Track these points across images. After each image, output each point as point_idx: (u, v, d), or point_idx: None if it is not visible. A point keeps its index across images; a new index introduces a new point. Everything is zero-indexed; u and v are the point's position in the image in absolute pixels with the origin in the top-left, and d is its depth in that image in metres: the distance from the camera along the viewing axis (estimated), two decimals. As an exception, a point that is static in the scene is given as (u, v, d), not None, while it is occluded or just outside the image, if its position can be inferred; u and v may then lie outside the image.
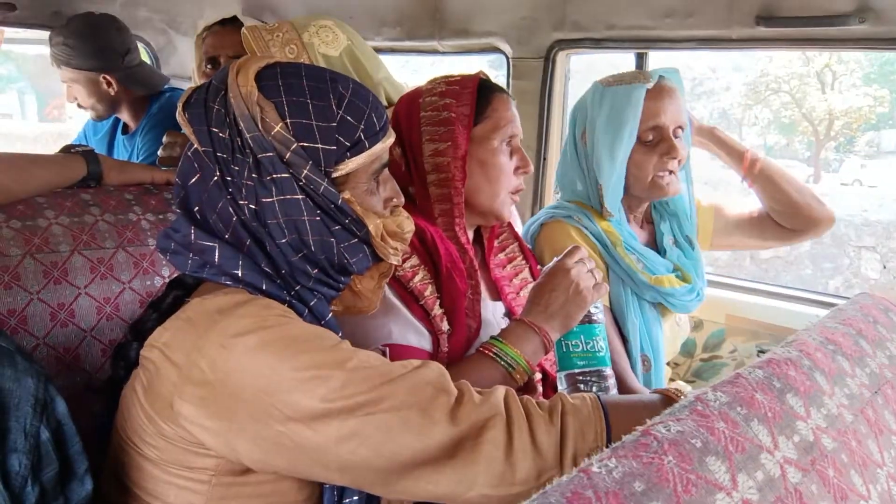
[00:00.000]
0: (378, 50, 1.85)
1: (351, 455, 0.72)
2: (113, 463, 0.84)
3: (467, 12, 1.99)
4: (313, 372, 0.72)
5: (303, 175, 0.79)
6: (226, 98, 0.80)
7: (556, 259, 1.10)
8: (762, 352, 1.60)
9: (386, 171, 0.90)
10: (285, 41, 1.40)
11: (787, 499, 0.51)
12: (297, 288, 0.83)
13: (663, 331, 1.44)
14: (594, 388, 1.06)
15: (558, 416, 0.76)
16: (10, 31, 2.33)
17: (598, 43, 1.79)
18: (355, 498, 0.84)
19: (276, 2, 2.31)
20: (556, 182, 1.56)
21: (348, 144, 0.82)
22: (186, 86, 1.64)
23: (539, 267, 1.30)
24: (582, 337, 1.08)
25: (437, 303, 1.09)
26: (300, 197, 0.80)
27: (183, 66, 2.37)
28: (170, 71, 2.28)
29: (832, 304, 1.57)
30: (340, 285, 0.88)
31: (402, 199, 0.93)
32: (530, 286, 1.12)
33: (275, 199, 0.79)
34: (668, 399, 0.81)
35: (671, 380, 1.69)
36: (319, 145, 0.80)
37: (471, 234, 1.21)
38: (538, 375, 1.21)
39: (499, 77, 1.44)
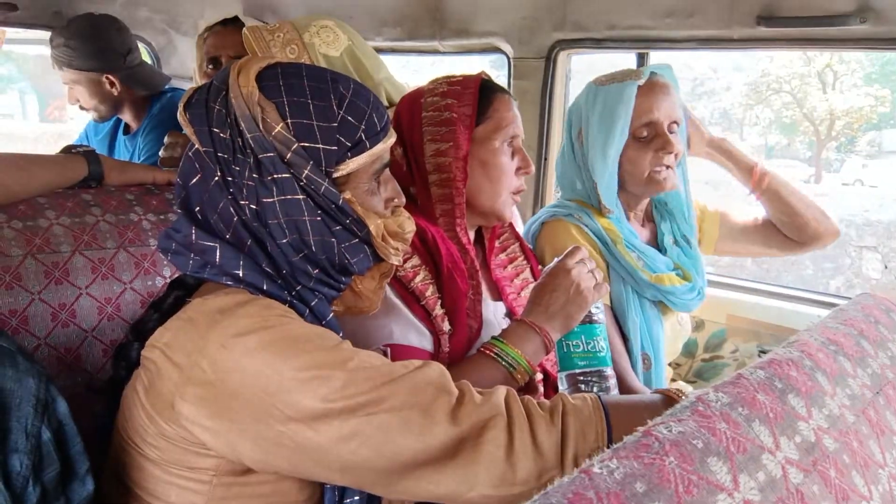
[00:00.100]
0: (379, 50, 1.85)
1: (352, 455, 0.72)
2: (114, 463, 0.84)
3: (468, 12, 1.99)
4: (314, 372, 0.72)
5: (304, 175, 0.79)
6: (227, 98, 0.80)
7: (556, 259, 1.10)
8: (763, 352, 1.60)
9: (387, 171, 0.91)
10: (286, 41, 1.41)
11: (788, 499, 0.51)
12: (298, 288, 0.83)
13: (664, 330, 1.44)
14: (595, 389, 1.06)
15: (559, 417, 0.76)
16: (11, 32, 2.33)
17: (598, 43, 1.79)
18: (356, 498, 0.84)
19: (276, 2, 2.31)
20: (557, 182, 1.56)
21: (349, 144, 0.82)
22: (187, 86, 1.64)
23: (540, 267, 1.30)
24: (583, 337, 1.08)
25: (439, 303, 1.09)
26: (301, 197, 0.80)
27: (184, 66, 2.37)
28: (170, 71, 2.28)
29: (833, 305, 1.57)
30: (341, 285, 0.88)
31: (403, 200, 0.93)
32: (531, 286, 1.12)
33: (276, 199, 0.79)
34: (669, 399, 0.81)
35: (672, 380, 1.69)
36: (320, 145, 0.80)
37: (472, 235, 1.21)
38: (539, 376, 1.21)
39: (500, 77, 1.44)
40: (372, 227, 0.85)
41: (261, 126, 0.78)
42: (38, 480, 0.75)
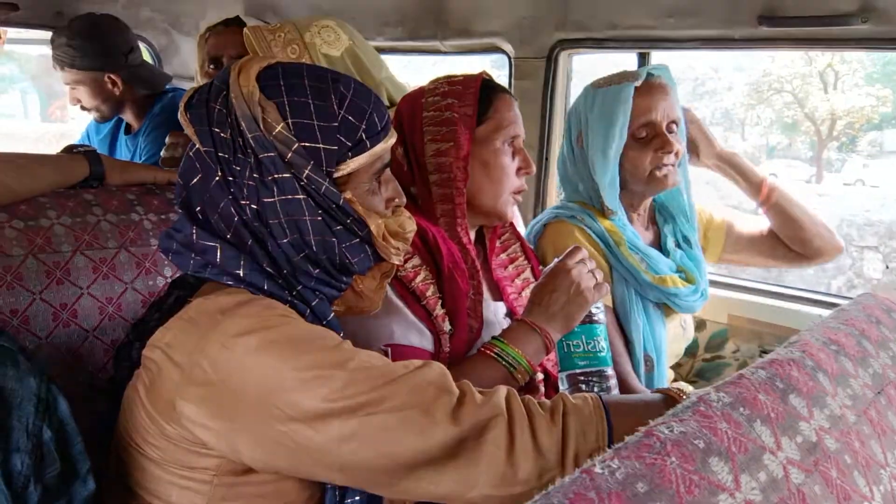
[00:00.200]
0: (380, 50, 1.85)
1: (352, 455, 0.72)
2: (115, 463, 0.84)
3: (469, 12, 1.98)
4: (315, 372, 0.72)
5: (304, 175, 0.79)
6: (227, 98, 0.80)
7: (556, 259, 1.10)
8: (765, 352, 1.60)
9: (388, 170, 0.90)
10: (287, 41, 1.41)
11: (790, 500, 0.51)
12: (299, 288, 0.83)
13: (667, 332, 1.44)
14: (596, 389, 1.06)
15: (560, 416, 0.76)
16: (12, 32, 2.33)
17: (600, 43, 1.79)
18: (357, 498, 0.84)
19: (278, 2, 2.31)
20: (559, 185, 1.57)
21: (350, 144, 0.82)
22: (189, 86, 1.64)
23: (541, 267, 1.30)
24: (583, 337, 1.08)
25: (439, 303, 1.09)
26: (301, 197, 0.80)
27: (185, 66, 2.37)
28: (172, 71, 2.28)
29: (835, 305, 1.57)
30: (342, 285, 0.88)
31: (404, 199, 0.93)
32: (532, 286, 1.12)
33: (276, 199, 0.79)
34: (670, 399, 0.81)
35: (673, 380, 1.69)
36: (321, 145, 0.80)
37: (473, 235, 1.21)
38: (540, 376, 1.21)
39: (501, 77, 1.44)
40: (373, 227, 0.85)
41: (261, 126, 0.78)
42: (39, 480, 0.75)
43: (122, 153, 2.07)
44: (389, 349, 1.02)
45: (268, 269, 0.81)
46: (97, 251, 1.12)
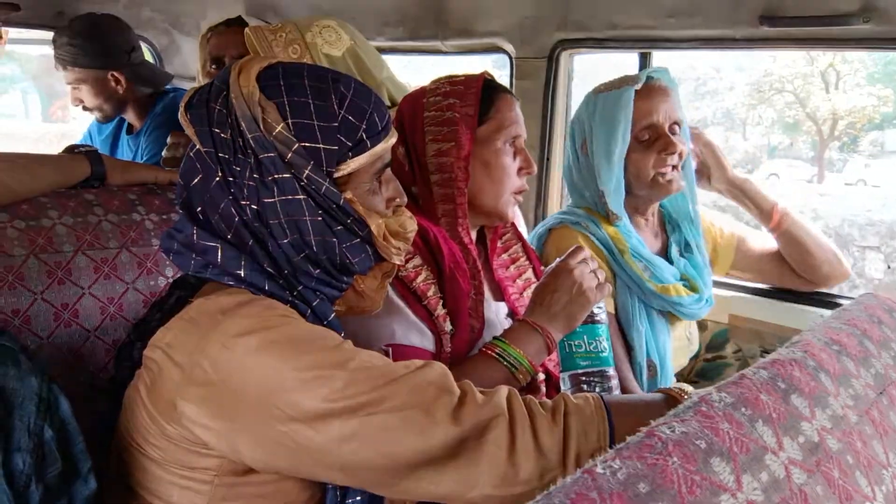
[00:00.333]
0: (381, 50, 1.85)
1: (353, 455, 0.72)
2: (116, 463, 0.84)
3: (470, 12, 1.98)
4: (315, 372, 0.72)
5: (304, 175, 0.79)
6: (227, 98, 0.80)
7: (558, 259, 1.10)
8: (766, 352, 1.59)
9: (388, 170, 0.90)
10: (288, 41, 1.41)
11: (791, 500, 0.51)
12: (300, 288, 0.83)
13: (672, 341, 1.44)
14: (597, 389, 1.06)
15: (561, 416, 0.76)
16: (13, 32, 2.33)
17: (601, 43, 1.79)
18: (358, 498, 0.84)
19: (279, 2, 2.31)
20: (568, 192, 1.58)
21: (350, 144, 0.82)
22: (190, 86, 1.64)
23: (542, 268, 1.30)
24: (585, 337, 1.08)
25: (441, 303, 1.09)
26: (302, 197, 0.80)
27: (186, 66, 2.37)
28: (173, 71, 2.28)
29: (836, 305, 1.57)
30: (343, 285, 0.88)
31: (405, 199, 0.93)
32: (533, 287, 1.12)
33: (276, 199, 0.79)
34: (671, 399, 0.81)
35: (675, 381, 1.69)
36: (321, 145, 0.80)
37: (474, 235, 1.21)
38: (541, 376, 1.20)
39: (501, 77, 1.44)
40: (373, 227, 0.85)
41: (261, 126, 0.78)
42: (40, 479, 0.75)
43: (124, 153, 2.07)
44: (390, 349, 1.02)
45: (268, 269, 0.81)
46: (98, 251, 1.12)
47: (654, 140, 1.38)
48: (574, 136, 1.48)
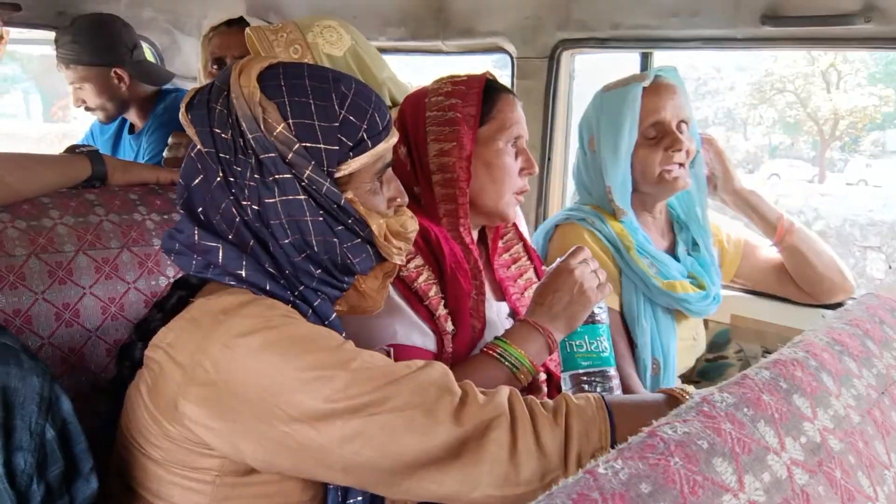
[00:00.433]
0: (382, 50, 1.85)
1: (354, 455, 0.72)
2: (117, 463, 0.84)
3: (471, 12, 1.98)
4: (317, 372, 0.72)
5: (305, 175, 0.79)
6: (228, 99, 0.80)
7: (559, 259, 1.10)
8: (768, 352, 1.59)
9: (389, 170, 0.90)
10: (289, 41, 1.41)
11: (794, 500, 0.51)
12: (301, 288, 0.83)
13: (678, 340, 1.44)
14: (598, 389, 1.06)
15: (562, 417, 0.76)
16: (14, 32, 2.33)
17: (602, 42, 1.79)
18: (359, 498, 0.84)
19: (280, 2, 2.31)
20: (575, 187, 1.58)
21: (351, 144, 0.82)
22: (192, 86, 1.64)
23: (544, 267, 1.30)
24: (586, 337, 1.08)
25: (442, 303, 1.09)
26: (302, 197, 0.80)
27: (187, 66, 2.37)
28: (174, 71, 2.28)
29: (838, 305, 1.57)
30: (344, 285, 0.88)
31: (406, 199, 0.93)
32: (535, 287, 1.12)
33: (277, 199, 0.79)
34: (673, 399, 0.81)
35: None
36: (322, 145, 0.80)
37: (475, 235, 1.21)
38: (542, 376, 1.20)
39: (503, 77, 1.44)
40: (374, 227, 0.85)
41: (262, 126, 0.78)
42: (42, 478, 0.75)
43: (126, 153, 2.07)
44: (392, 349, 1.02)
45: (270, 269, 0.81)
46: (100, 251, 1.12)
47: (660, 137, 1.38)
48: (582, 134, 1.49)
